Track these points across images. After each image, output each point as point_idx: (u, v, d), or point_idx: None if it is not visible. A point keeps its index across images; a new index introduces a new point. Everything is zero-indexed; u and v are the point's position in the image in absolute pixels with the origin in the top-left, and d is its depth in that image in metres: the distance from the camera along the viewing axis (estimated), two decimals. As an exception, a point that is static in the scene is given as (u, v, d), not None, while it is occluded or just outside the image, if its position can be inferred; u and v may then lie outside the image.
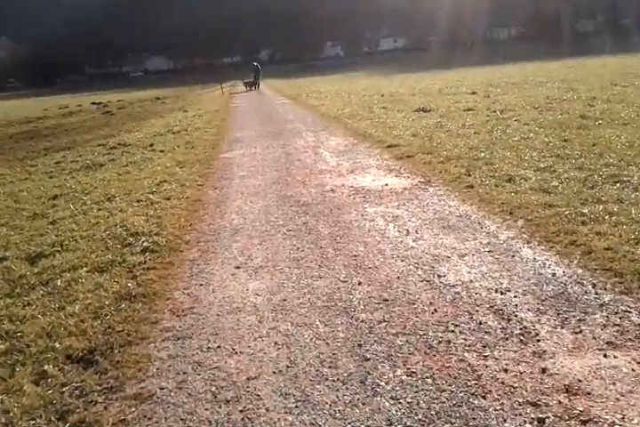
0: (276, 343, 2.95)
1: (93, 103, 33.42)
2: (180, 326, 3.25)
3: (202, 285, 3.85)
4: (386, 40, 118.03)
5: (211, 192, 6.77)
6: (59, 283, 4.07)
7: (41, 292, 3.97)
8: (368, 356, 2.73)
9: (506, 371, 2.51)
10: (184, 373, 2.76)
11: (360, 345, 2.84)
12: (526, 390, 2.36)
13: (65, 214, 6.42)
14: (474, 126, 10.13)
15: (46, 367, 2.87)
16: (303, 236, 4.71)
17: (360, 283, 3.60)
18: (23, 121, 24.08)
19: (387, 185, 6.26)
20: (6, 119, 25.72)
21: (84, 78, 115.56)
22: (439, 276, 3.61)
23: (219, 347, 2.98)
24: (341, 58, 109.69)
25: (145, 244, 4.74)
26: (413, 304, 3.24)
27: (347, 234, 4.65)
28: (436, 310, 3.15)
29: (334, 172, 7.31)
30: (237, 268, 4.11)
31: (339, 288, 3.55)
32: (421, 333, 2.91)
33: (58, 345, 3.09)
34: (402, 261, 3.93)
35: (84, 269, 4.32)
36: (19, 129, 20.16)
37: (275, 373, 2.67)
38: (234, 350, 2.93)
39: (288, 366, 2.71)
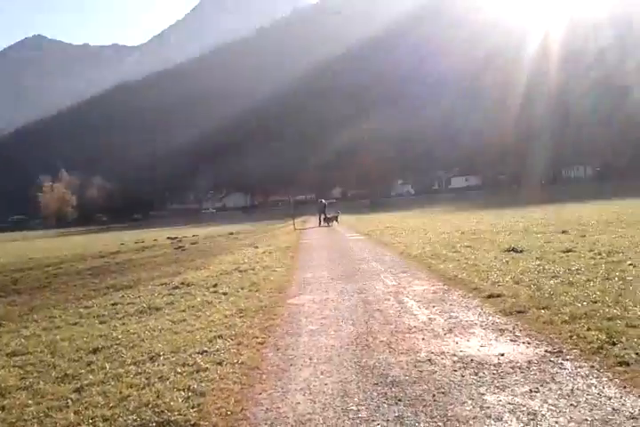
0: None
1: (169, 238, 34.12)
2: None
3: None
4: (457, 178, 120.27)
5: (272, 355, 5.40)
6: None
7: None
8: None
9: None
10: None
11: None
12: None
13: (96, 379, 5.22)
14: (583, 272, 8.60)
15: None
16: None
17: None
18: (96, 256, 24.30)
19: (503, 355, 4.70)
20: (81, 254, 26.16)
21: (167, 213, 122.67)
22: None
23: None
24: (411, 195, 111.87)
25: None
26: None
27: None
28: None
29: (427, 330, 5.83)
30: None
31: None
32: None
33: None
34: None
35: None
36: (89, 264, 20.06)
37: None
38: None
39: None
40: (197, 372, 4.93)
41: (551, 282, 7.92)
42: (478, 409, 3.59)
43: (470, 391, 3.91)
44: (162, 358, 5.71)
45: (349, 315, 6.99)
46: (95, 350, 6.50)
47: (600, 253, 10.35)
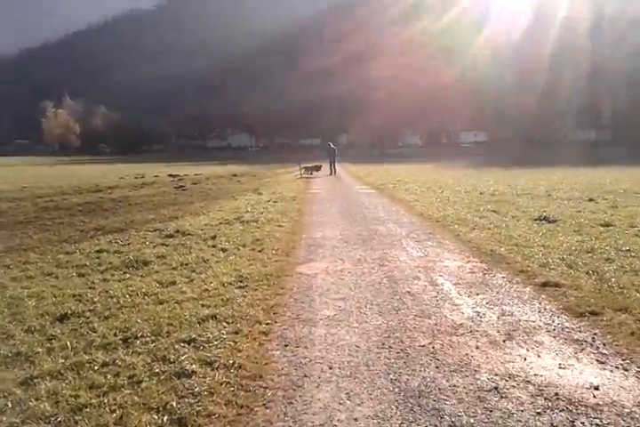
0: None
1: (170, 175, 32.72)
2: None
3: None
4: (466, 133, 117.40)
5: (279, 355, 4.13)
6: None
7: None
8: None
9: None
10: None
11: None
12: None
13: (52, 367, 3.99)
14: (638, 255, 7.34)
15: None
16: None
17: None
18: (92, 190, 22.97)
19: (597, 389, 3.42)
20: (77, 186, 24.84)
21: (171, 148, 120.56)
22: None
23: None
24: (419, 147, 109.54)
25: None
26: None
27: None
28: None
29: (478, 333, 4.54)
30: None
31: None
32: None
33: None
34: None
35: None
36: (82, 199, 18.73)
37: None
38: None
39: None
40: (179, 377, 3.66)
41: (610, 268, 6.65)
42: None
43: (572, 459, 2.64)
44: (139, 342, 4.46)
45: (373, 297, 5.69)
46: (63, 318, 5.30)
47: None
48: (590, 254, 7.54)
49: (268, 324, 4.84)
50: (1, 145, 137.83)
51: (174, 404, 3.24)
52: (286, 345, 4.31)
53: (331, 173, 30.89)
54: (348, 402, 3.30)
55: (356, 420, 3.07)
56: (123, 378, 3.70)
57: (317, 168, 31.38)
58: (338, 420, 3.08)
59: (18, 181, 28.96)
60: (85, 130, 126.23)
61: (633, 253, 7.52)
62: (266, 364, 3.91)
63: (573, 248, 7.96)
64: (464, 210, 12.77)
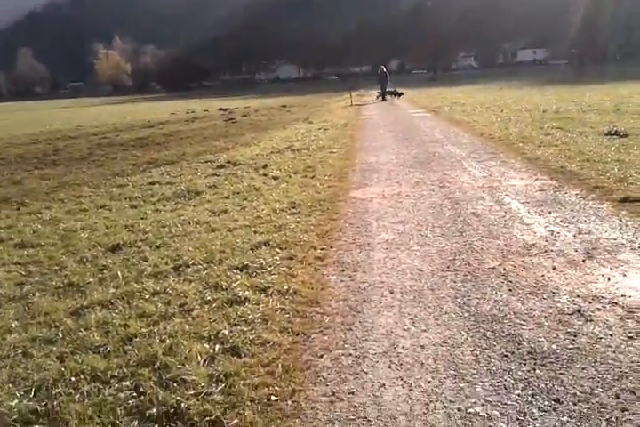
0: None
1: (220, 109, 32.36)
2: None
3: None
4: (524, 51, 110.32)
5: (336, 280, 3.86)
6: None
7: None
8: None
9: None
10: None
11: None
12: None
13: (103, 297, 3.89)
14: None
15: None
16: None
17: None
18: (144, 125, 23.00)
19: (699, 311, 3.00)
20: (129, 123, 24.94)
21: (220, 84, 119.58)
22: None
23: None
24: (474, 69, 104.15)
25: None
26: None
27: None
28: None
29: (553, 252, 4.13)
30: None
31: None
32: None
33: None
34: None
35: None
36: (134, 135, 18.77)
37: None
38: None
39: None
40: (232, 305, 3.47)
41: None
42: None
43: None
44: (190, 270, 4.30)
45: (434, 220, 5.31)
46: (114, 248, 5.21)
47: None
48: (672, 168, 6.85)
49: (323, 249, 4.58)
50: (58, 89, 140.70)
51: (226, 332, 3.05)
52: (343, 270, 4.05)
53: (383, 99, 29.65)
54: (413, 328, 3.02)
55: (422, 347, 2.80)
56: (173, 307, 3.54)
57: (397, 93, 29.60)
58: (402, 347, 2.81)
59: (73, 121, 29.36)
60: (136, 69, 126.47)
61: None
62: (322, 289, 3.67)
63: (653, 163, 7.25)
64: (527, 128, 11.94)
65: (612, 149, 8.56)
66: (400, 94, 29.01)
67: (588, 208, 5.33)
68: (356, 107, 26.25)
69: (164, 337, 3.07)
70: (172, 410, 2.32)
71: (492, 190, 6.36)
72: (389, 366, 2.62)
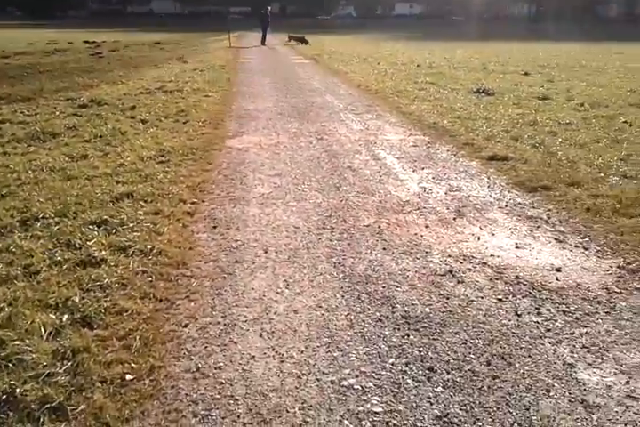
0: None
1: (86, 42, 29.43)
2: None
3: None
4: (401, 4, 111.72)
5: (206, 238, 3.58)
6: None
7: None
8: None
9: None
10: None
11: None
12: None
13: None
14: (579, 128, 7.25)
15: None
16: None
17: None
18: (-4, 55, 20.31)
19: (559, 271, 3.13)
20: (-24, 51, 21.90)
21: (87, 14, 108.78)
22: None
23: None
24: (354, 18, 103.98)
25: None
26: None
27: None
28: None
29: (426, 209, 4.15)
30: None
31: None
32: None
33: None
34: None
35: None
36: (-18, 66, 16.50)
37: None
38: None
39: None
40: (85, 266, 3.08)
41: (555, 141, 6.38)
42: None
43: (544, 350, 2.35)
44: (39, 224, 3.79)
45: (312, 173, 5.15)
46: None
47: (582, 105, 9.05)
48: (533, 127, 7.26)
49: (193, 203, 4.25)
50: None
51: (77, 299, 2.68)
52: (214, 227, 3.77)
53: (263, 43, 28.62)
54: (287, 291, 2.87)
55: (295, 312, 2.65)
56: (16, 268, 3.08)
57: (303, 40, 28.18)
58: (275, 313, 2.65)
59: None
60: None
61: (574, 127, 7.31)
62: (190, 249, 3.38)
63: (515, 121, 7.65)
64: (403, 82, 12.10)
65: (481, 106, 8.91)
66: (306, 42, 27.84)
67: (458, 165, 5.45)
68: (234, 49, 25.13)
69: (1, 305, 2.65)
70: (5, 397, 1.98)
71: (368, 144, 6.31)
72: (260, 335, 2.45)
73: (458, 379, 2.14)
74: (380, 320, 2.56)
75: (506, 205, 4.24)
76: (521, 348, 2.36)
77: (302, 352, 2.32)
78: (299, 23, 70.87)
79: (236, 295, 2.81)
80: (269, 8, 30.13)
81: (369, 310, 2.67)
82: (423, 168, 5.31)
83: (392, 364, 2.23)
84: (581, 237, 3.60)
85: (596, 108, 8.74)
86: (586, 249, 3.42)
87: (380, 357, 2.28)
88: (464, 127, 7.20)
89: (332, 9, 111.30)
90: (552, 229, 3.75)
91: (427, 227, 3.79)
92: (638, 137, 6.68)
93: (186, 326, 2.53)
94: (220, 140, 6.48)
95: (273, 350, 2.34)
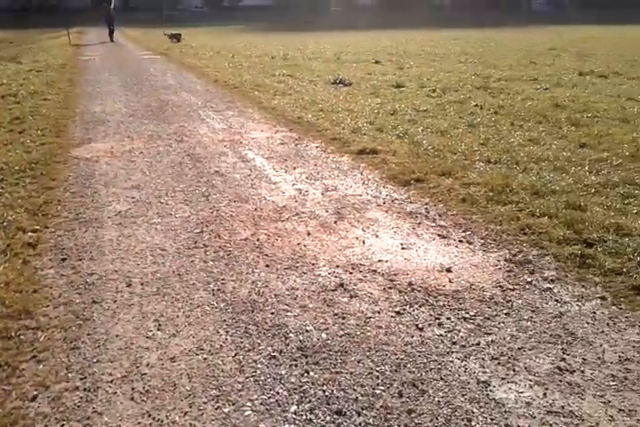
0: None
1: None
2: None
3: None
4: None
5: (53, 274, 3.01)
6: None
7: None
8: None
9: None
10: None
11: None
12: None
13: None
14: (436, 115, 7.45)
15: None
16: None
17: None
18: None
19: (450, 271, 3.00)
20: None
21: None
22: None
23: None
24: (201, 11, 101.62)
25: None
26: None
27: None
28: None
29: (305, 214, 3.87)
30: None
31: None
32: None
33: None
34: None
35: None
36: None
37: None
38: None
39: None
40: None
41: (417, 130, 6.44)
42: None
43: (454, 369, 2.16)
44: None
45: (175, 182, 4.66)
46: None
47: (435, 91, 9.36)
48: (394, 117, 7.30)
49: (35, 231, 3.60)
50: None
51: None
52: (63, 259, 3.19)
53: (111, 40, 26.67)
54: (159, 333, 2.43)
55: (172, 360, 2.23)
56: None
57: (178, 36, 25.58)
58: (147, 364, 2.21)
59: None
60: None
61: (431, 114, 7.46)
62: (35, 291, 2.80)
63: (376, 111, 7.65)
64: (260, 75, 11.80)
65: (341, 97, 8.86)
66: (179, 38, 25.63)
67: (330, 162, 5.25)
68: (75, 46, 23.21)
69: None
70: None
71: (233, 144, 5.91)
72: (132, 398, 2.01)
73: (371, 421, 1.87)
74: (274, 357, 2.23)
75: (384, 203, 4.09)
76: (430, 369, 2.15)
77: (186, 414, 1.92)
78: (145, 18, 67.60)
79: (97, 348, 2.32)
80: (113, 2, 28.15)
81: (259, 345, 2.32)
82: (295, 168, 5.04)
83: (294, 413, 1.91)
84: (463, 231, 3.52)
85: (447, 94, 9.05)
86: (470, 244, 3.33)
87: (279, 405, 1.95)
88: (329, 121, 7.03)
89: (178, 2, 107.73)
90: (433, 225, 3.64)
91: (309, 234, 3.50)
92: (490, 120, 6.94)
93: (34, 398, 2.01)
94: (65, 151, 5.73)
95: (149, 416, 1.92)
